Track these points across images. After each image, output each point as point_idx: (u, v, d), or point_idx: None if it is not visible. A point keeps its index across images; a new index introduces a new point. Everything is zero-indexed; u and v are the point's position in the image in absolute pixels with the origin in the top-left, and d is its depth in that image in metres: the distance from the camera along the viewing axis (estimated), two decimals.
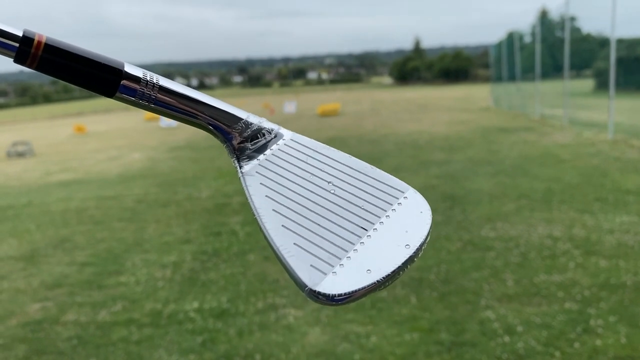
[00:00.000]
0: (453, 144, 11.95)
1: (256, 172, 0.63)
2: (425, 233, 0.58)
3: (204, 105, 0.63)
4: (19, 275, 4.96)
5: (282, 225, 0.57)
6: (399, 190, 0.62)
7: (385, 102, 34.21)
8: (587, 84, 20.91)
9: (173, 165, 11.02)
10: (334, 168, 0.64)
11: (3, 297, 4.49)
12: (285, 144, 0.67)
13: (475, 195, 6.70)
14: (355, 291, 0.51)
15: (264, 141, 0.66)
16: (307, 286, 0.51)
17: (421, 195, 0.61)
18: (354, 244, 0.55)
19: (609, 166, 8.17)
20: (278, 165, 0.64)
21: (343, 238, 0.56)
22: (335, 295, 0.51)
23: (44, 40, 0.54)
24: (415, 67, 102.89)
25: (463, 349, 3.13)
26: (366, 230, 0.57)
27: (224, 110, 0.64)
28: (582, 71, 20.24)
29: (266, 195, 0.60)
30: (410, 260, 0.55)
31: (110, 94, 0.59)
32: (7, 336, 3.73)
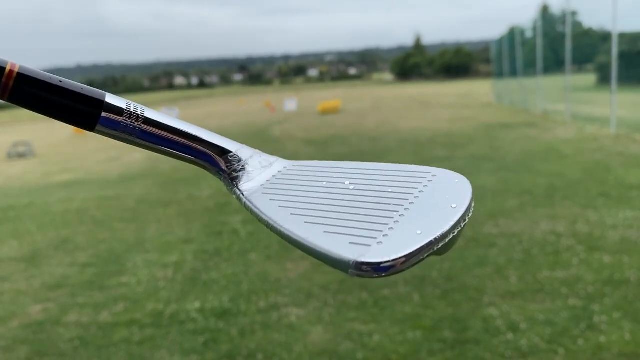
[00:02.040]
0: (455, 140, 11.93)
1: (262, 193, 0.60)
2: (469, 194, 0.54)
3: (193, 138, 0.59)
4: (20, 277, 4.95)
5: (305, 222, 0.53)
6: (425, 172, 0.58)
7: (386, 99, 34.19)
8: (589, 78, 20.84)
9: (174, 165, 10.99)
10: (349, 172, 0.61)
11: (4, 298, 4.48)
12: (287, 169, 0.64)
13: (478, 192, 6.64)
14: (408, 255, 0.45)
15: (262, 170, 0.63)
16: (351, 260, 0.45)
17: (452, 171, 0.58)
18: (392, 217, 0.50)
19: (612, 161, 8.14)
20: (286, 184, 0.61)
21: (379, 215, 0.51)
22: (382, 263, 0.45)
23: (16, 70, 0.51)
24: (416, 63, 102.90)
25: (466, 347, 3.11)
26: (402, 205, 0.52)
27: (213, 144, 0.61)
28: (584, 66, 20.19)
29: (280, 206, 0.56)
30: (461, 220, 0.50)
31: (90, 127, 0.55)
32: (8, 337, 3.71)
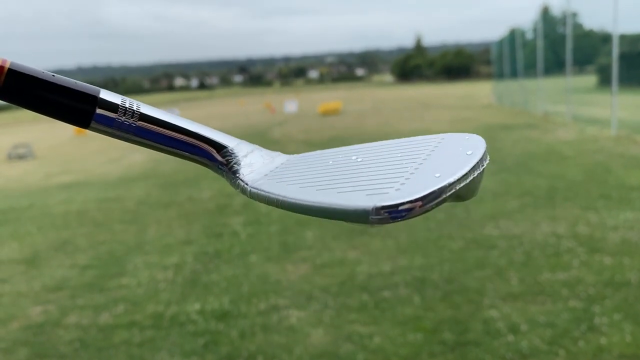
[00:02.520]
0: None
1: (268, 179, 0.57)
2: (483, 144, 0.51)
3: (191, 133, 0.58)
4: (20, 278, 4.94)
5: (317, 190, 0.51)
6: (434, 137, 0.57)
7: (386, 101, 34.20)
8: (590, 80, 20.84)
9: (174, 167, 10.99)
10: (355, 150, 0.59)
11: (4, 300, 4.48)
12: (290, 160, 0.62)
13: (479, 193, 6.64)
14: (429, 195, 0.43)
15: (265, 163, 0.61)
16: (371, 207, 0.43)
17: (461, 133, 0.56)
18: (408, 170, 0.49)
19: (613, 162, 8.14)
20: (291, 169, 0.59)
21: (394, 171, 0.49)
22: (402, 204, 0.43)
23: (7, 66, 0.50)
24: (416, 64, 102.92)
25: (467, 349, 3.11)
26: (416, 160, 0.51)
27: (212, 139, 0.59)
28: (585, 67, 20.19)
29: (288, 184, 0.54)
30: (479, 163, 0.48)
31: (84, 124, 0.53)
32: (8, 340, 3.71)
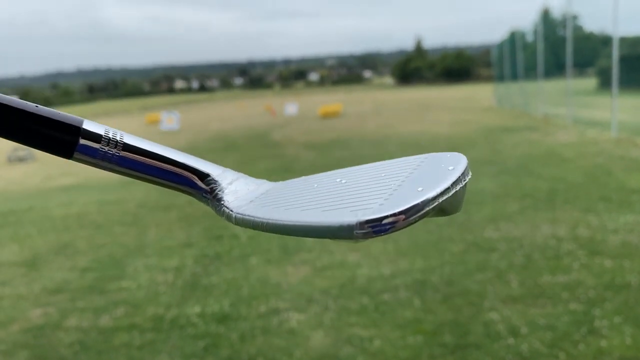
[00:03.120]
0: (456, 144, 11.93)
1: (252, 205, 0.57)
2: (464, 160, 0.52)
3: (175, 163, 0.58)
4: (20, 281, 4.94)
5: (302, 210, 0.51)
6: (417, 157, 0.57)
7: (387, 103, 34.21)
8: (590, 82, 20.85)
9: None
10: (340, 173, 0.59)
11: (4, 302, 4.48)
12: (276, 188, 0.62)
13: (479, 196, 6.67)
14: (410, 209, 0.44)
15: (249, 191, 0.61)
16: (354, 221, 0.43)
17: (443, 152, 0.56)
18: (391, 187, 0.49)
19: (613, 165, 8.13)
20: (276, 195, 0.59)
21: (377, 189, 0.50)
22: (386, 217, 0.43)
23: None
24: (417, 67, 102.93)
25: (467, 351, 3.10)
26: (399, 178, 0.51)
27: (196, 167, 0.59)
28: (585, 70, 20.19)
29: (273, 208, 0.55)
30: (462, 177, 0.49)
31: (67, 155, 0.53)
32: (8, 342, 3.71)
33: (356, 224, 0.43)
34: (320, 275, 4.43)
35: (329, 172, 0.62)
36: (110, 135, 0.54)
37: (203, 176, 0.59)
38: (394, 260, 4.62)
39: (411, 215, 0.44)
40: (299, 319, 3.68)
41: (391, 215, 0.43)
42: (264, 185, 0.63)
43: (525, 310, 3.54)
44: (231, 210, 0.57)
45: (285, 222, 0.50)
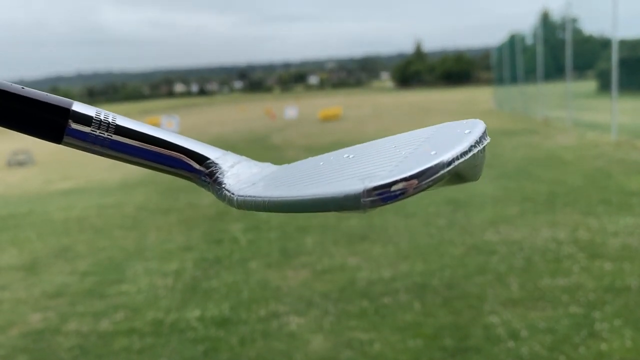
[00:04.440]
0: None
1: (254, 185, 0.54)
2: (483, 125, 0.47)
3: (172, 146, 0.54)
4: (19, 285, 4.94)
5: (304, 185, 0.47)
6: (431, 128, 0.52)
7: (387, 106, 34.23)
8: (590, 85, 20.86)
9: None
10: (347, 151, 0.56)
11: (4, 307, 4.47)
12: (280, 169, 0.59)
13: (479, 199, 6.66)
14: (423, 172, 0.40)
15: (252, 173, 0.57)
16: (361, 189, 0.39)
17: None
18: (402, 154, 0.45)
19: (613, 168, 8.13)
20: (280, 175, 0.56)
21: (388, 156, 0.46)
22: (395, 182, 0.39)
23: None
24: (416, 70, 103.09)
25: (467, 355, 3.10)
26: (412, 145, 0.47)
27: (195, 150, 0.56)
28: (585, 72, 20.21)
29: (276, 186, 0.51)
30: (479, 141, 0.45)
31: (57, 139, 0.50)
32: (8, 346, 3.70)
33: (363, 191, 0.39)
34: (320, 279, 4.42)
35: (335, 151, 0.58)
36: (102, 118, 0.51)
37: (202, 159, 0.56)
38: (394, 264, 4.62)
39: (424, 179, 0.40)
40: (298, 323, 3.67)
41: (401, 180, 0.40)
42: (268, 168, 0.60)
43: (526, 313, 3.54)
44: (232, 194, 0.54)
45: (288, 198, 0.46)
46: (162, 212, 7.55)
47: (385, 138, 0.56)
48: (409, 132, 0.54)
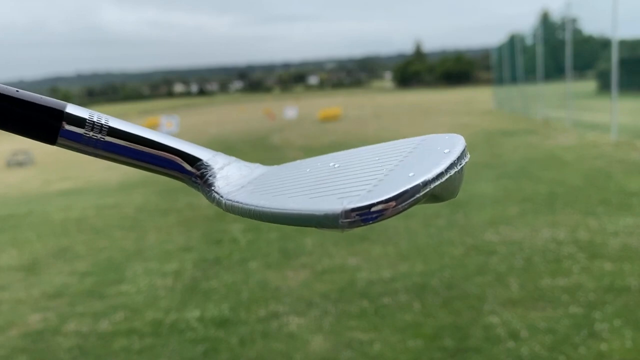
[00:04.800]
0: None
1: (242, 189, 0.56)
2: (462, 142, 0.49)
3: (163, 147, 0.55)
4: (19, 285, 4.93)
5: (289, 197, 0.49)
6: (415, 139, 0.54)
7: (386, 106, 34.23)
8: (590, 85, 20.87)
9: None
10: (335, 157, 0.58)
11: (3, 307, 4.47)
12: (270, 171, 0.61)
13: (479, 199, 6.66)
14: (399, 195, 0.41)
15: (242, 175, 0.59)
16: (340, 210, 0.41)
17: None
18: (382, 172, 0.47)
19: (613, 168, 8.13)
20: (268, 179, 0.57)
21: (368, 173, 0.47)
22: (374, 204, 0.41)
23: None
24: (416, 70, 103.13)
25: (467, 355, 3.09)
26: (392, 162, 0.48)
27: (186, 151, 0.57)
28: (585, 72, 20.21)
29: (262, 194, 0.53)
30: (457, 161, 0.46)
31: (51, 141, 0.51)
32: (7, 347, 3.70)
33: (341, 212, 0.41)
34: (320, 279, 4.42)
35: (324, 156, 0.60)
36: (95, 119, 0.52)
37: (193, 160, 0.57)
38: (394, 264, 4.62)
39: (401, 202, 0.41)
40: (298, 323, 3.67)
41: (380, 203, 0.41)
42: (257, 169, 0.62)
43: (525, 313, 3.53)
44: (221, 196, 0.55)
45: (272, 210, 0.48)
46: (162, 212, 7.54)
47: (372, 146, 0.58)
48: (393, 142, 0.57)
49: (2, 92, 0.49)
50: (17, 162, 16.20)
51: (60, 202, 9.16)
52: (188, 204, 7.81)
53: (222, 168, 0.59)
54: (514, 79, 23.60)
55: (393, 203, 0.41)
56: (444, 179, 0.44)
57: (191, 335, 3.63)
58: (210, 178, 0.57)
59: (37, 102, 0.50)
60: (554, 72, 18.22)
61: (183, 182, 0.58)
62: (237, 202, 0.53)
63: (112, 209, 8.16)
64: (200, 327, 3.73)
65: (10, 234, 7.11)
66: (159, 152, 0.55)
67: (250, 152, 14.36)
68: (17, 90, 0.50)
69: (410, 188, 0.42)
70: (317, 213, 0.43)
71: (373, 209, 0.41)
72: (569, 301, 3.65)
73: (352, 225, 0.41)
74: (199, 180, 0.57)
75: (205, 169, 0.58)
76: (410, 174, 0.44)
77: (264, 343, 3.44)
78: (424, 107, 30.52)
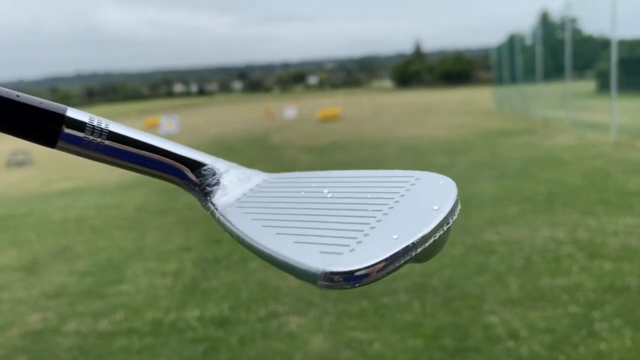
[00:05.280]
0: (455, 147, 11.92)
1: (236, 207, 0.57)
2: (453, 196, 0.48)
3: (163, 151, 0.56)
4: (19, 285, 4.93)
5: (277, 233, 0.50)
6: (409, 176, 0.54)
7: (386, 106, 34.21)
8: (589, 85, 20.88)
9: None
10: (329, 181, 0.57)
11: (3, 307, 4.47)
12: (266, 182, 0.61)
13: (478, 199, 6.66)
14: (382, 261, 0.41)
15: (239, 184, 0.60)
16: (320, 270, 0.41)
17: (436, 173, 0.53)
18: (369, 224, 0.46)
19: (612, 168, 8.13)
20: (262, 196, 0.58)
21: (355, 222, 0.47)
22: (356, 271, 0.41)
23: None
24: (416, 70, 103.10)
25: (467, 355, 3.10)
26: (380, 210, 0.48)
27: (186, 157, 0.58)
28: (584, 72, 20.22)
29: (252, 219, 0.54)
30: (443, 222, 0.45)
31: (51, 144, 0.52)
32: (7, 347, 3.70)
33: (321, 273, 0.42)
34: None
35: (321, 176, 0.60)
36: (95, 124, 0.53)
37: (193, 166, 0.58)
38: None
39: (382, 269, 0.42)
40: (298, 323, 3.67)
41: (360, 269, 0.41)
42: (255, 177, 0.62)
43: (525, 313, 3.53)
44: (215, 208, 0.57)
45: (257, 245, 0.50)
46: (161, 212, 7.54)
47: (368, 175, 0.57)
48: (390, 174, 0.56)
49: (3, 96, 0.49)
50: (16, 162, 16.20)
51: (59, 202, 9.16)
52: (188, 204, 7.80)
53: (221, 175, 0.59)
54: (513, 79, 23.60)
55: (377, 267, 0.42)
56: (427, 244, 0.44)
57: (191, 334, 3.63)
58: (207, 187, 0.59)
59: (37, 105, 0.51)
60: (554, 72, 18.22)
61: (180, 186, 0.59)
62: (229, 221, 0.54)
63: (112, 209, 8.16)
64: (200, 326, 3.73)
65: (10, 234, 7.11)
66: (158, 156, 0.56)
67: (251, 152, 14.35)
68: (17, 95, 0.50)
69: (392, 255, 0.42)
70: (298, 266, 0.44)
71: (356, 274, 0.41)
72: (569, 301, 3.65)
73: (331, 287, 0.42)
74: (196, 188, 0.59)
75: (204, 176, 0.59)
76: (395, 237, 0.44)
77: (264, 343, 3.44)
78: (423, 107, 30.51)
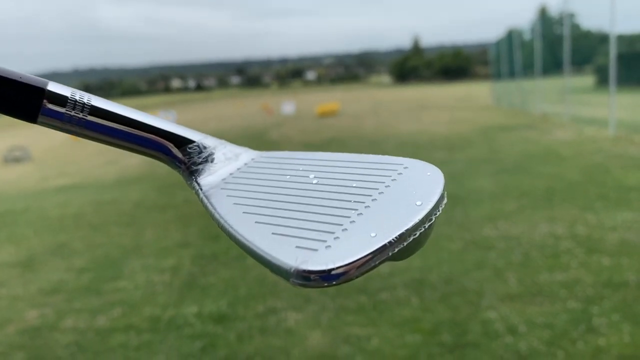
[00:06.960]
0: (453, 143, 11.92)
1: (221, 188, 0.55)
2: (439, 189, 0.47)
3: (147, 127, 0.55)
4: (16, 282, 4.92)
5: (256, 222, 0.48)
6: (397, 163, 0.52)
7: (384, 102, 34.18)
8: (588, 80, 20.88)
9: (170, 169, 10.93)
10: (317, 164, 0.56)
11: (0, 304, 4.46)
12: (254, 161, 0.60)
13: (477, 195, 6.66)
14: (359, 259, 0.40)
15: (226, 162, 0.58)
16: (292, 267, 0.40)
17: (425, 162, 0.52)
18: (349, 217, 0.45)
19: (611, 163, 8.13)
20: (248, 177, 0.56)
21: (335, 214, 0.46)
22: (332, 269, 0.40)
23: None
24: (414, 66, 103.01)
25: (465, 350, 3.09)
26: (363, 202, 0.47)
27: (172, 133, 0.56)
28: (583, 67, 20.22)
29: (234, 203, 0.52)
30: (425, 219, 0.45)
31: (32, 119, 0.51)
32: (5, 344, 3.69)
33: (293, 271, 0.41)
34: None
35: (309, 157, 0.59)
36: (77, 98, 0.51)
37: (179, 143, 0.57)
38: None
39: (356, 269, 0.41)
40: (296, 319, 3.66)
41: (333, 268, 0.41)
42: (244, 155, 0.61)
43: (524, 308, 3.53)
44: (200, 189, 0.56)
45: (235, 234, 0.48)
46: (159, 208, 7.53)
47: (356, 159, 0.56)
48: (379, 159, 0.55)
49: None
50: (14, 158, 16.16)
51: (57, 198, 9.14)
52: (185, 200, 7.79)
53: (208, 153, 0.58)
54: (512, 74, 23.59)
55: (350, 267, 0.41)
56: (405, 243, 0.43)
57: (189, 331, 3.62)
58: (192, 166, 0.57)
59: (17, 79, 0.49)
60: (552, 67, 18.20)
61: (165, 163, 0.58)
62: (211, 204, 0.53)
63: (110, 205, 8.14)
64: (198, 323, 3.72)
65: (7, 230, 7.09)
66: (143, 132, 0.55)
67: (249, 147, 14.30)
68: None
69: (367, 254, 0.41)
70: (271, 260, 0.43)
71: (332, 273, 0.41)
72: (567, 296, 3.64)
73: (303, 285, 0.41)
74: (182, 166, 0.57)
75: (190, 154, 0.57)
76: (373, 234, 0.43)
77: (262, 339, 3.44)
78: (422, 102, 30.48)
